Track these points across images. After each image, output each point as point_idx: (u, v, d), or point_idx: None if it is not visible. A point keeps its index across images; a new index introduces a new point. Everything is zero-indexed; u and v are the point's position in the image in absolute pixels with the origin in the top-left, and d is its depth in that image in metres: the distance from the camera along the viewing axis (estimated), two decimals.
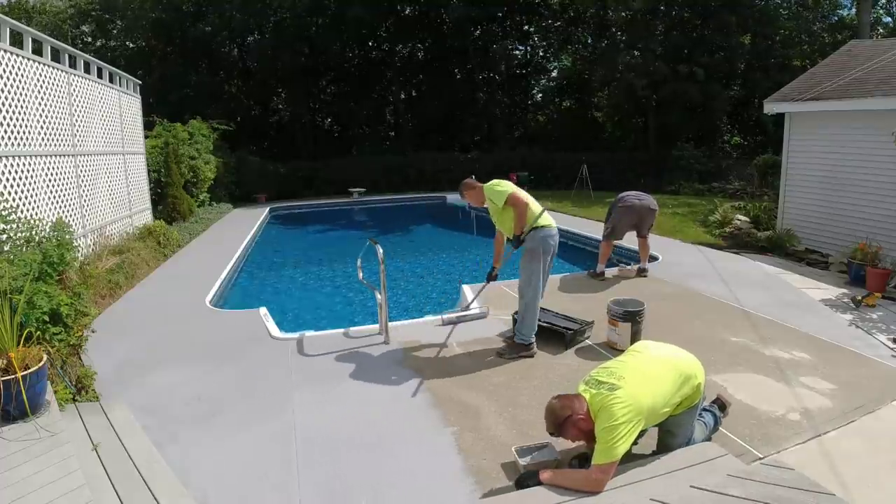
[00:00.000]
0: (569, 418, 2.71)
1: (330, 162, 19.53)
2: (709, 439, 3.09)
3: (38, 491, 2.46)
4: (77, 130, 7.51)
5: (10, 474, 2.59)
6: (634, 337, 4.42)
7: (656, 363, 2.88)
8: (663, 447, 2.95)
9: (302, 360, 4.48)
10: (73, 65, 7.68)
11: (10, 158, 5.66)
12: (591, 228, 10.40)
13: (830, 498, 2.25)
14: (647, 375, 2.79)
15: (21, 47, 6.19)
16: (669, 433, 2.94)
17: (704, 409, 3.18)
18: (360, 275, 5.43)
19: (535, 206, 4.46)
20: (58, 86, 7.00)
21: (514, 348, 4.45)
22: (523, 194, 4.47)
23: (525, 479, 2.74)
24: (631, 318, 4.44)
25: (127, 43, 21.68)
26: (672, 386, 2.79)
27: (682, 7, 18.64)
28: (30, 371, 3.12)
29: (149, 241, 8.67)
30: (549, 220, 4.49)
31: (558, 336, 4.63)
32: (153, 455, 3.12)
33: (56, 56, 7.14)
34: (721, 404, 3.36)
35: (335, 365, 4.36)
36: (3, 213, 4.79)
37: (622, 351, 4.37)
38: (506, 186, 4.50)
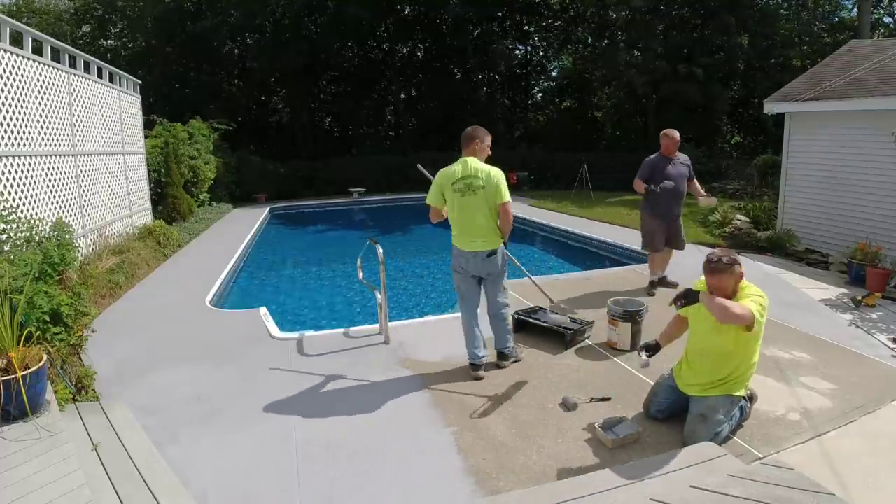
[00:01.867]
0: (737, 265, 3.03)
1: (330, 162, 19.50)
2: (733, 432, 3.19)
3: (38, 491, 2.46)
4: (77, 130, 7.51)
5: (10, 474, 2.59)
6: (634, 337, 4.43)
7: None
8: (691, 433, 3.04)
9: (302, 360, 4.48)
10: (73, 65, 7.68)
11: (10, 158, 5.66)
12: (592, 228, 10.41)
13: (830, 498, 2.25)
14: None
15: (21, 47, 6.19)
16: (702, 417, 3.04)
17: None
18: (360, 275, 5.43)
19: (454, 224, 4.06)
20: (58, 86, 7.00)
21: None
22: (439, 204, 4.11)
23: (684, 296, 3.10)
24: (631, 318, 4.44)
25: (127, 43, 21.66)
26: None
27: (682, 7, 18.64)
28: (30, 371, 3.12)
29: (149, 241, 8.67)
30: (459, 240, 4.04)
31: (558, 336, 4.63)
32: (153, 455, 3.12)
33: (56, 56, 7.13)
34: (750, 395, 3.38)
35: (335, 365, 4.35)
36: (3, 213, 4.79)
37: (622, 351, 4.40)
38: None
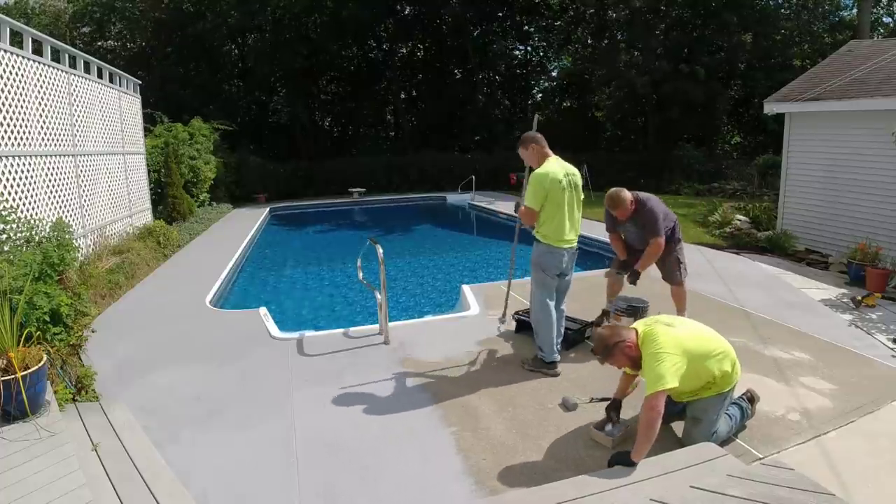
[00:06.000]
0: (617, 344, 2.93)
1: (330, 162, 19.52)
2: (736, 434, 3.18)
3: (38, 491, 2.46)
4: (77, 130, 7.51)
5: (10, 474, 2.59)
6: None
7: (702, 326, 3.18)
8: (687, 435, 3.06)
9: (302, 360, 4.48)
10: (73, 65, 7.68)
11: (10, 158, 5.66)
12: (592, 228, 10.39)
13: (830, 498, 2.25)
14: (693, 328, 3.12)
15: (21, 47, 6.19)
16: (694, 420, 3.04)
17: (733, 402, 3.22)
18: (360, 275, 5.43)
19: (558, 222, 4.09)
20: (58, 86, 7.00)
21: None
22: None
23: (615, 461, 2.77)
24: (634, 312, 4.46)
25: (126, 44, 21.67)
26: (715, 341, 3.04)
27: (683, 7, 18.64)
28: (30, 371, 3.12)
29: (149, 241, 8.67)
30: (561, 238, 4.10)
31: None
32: (153, 455, 3.12)
33: (56, 56, 7.13)
34: (750, 397, 3.37)
35: (335, 365, 4.35)
36: (3, 213, 4.79)
37: None
38: None
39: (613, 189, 4.48)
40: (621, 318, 4.49)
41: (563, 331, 4.31)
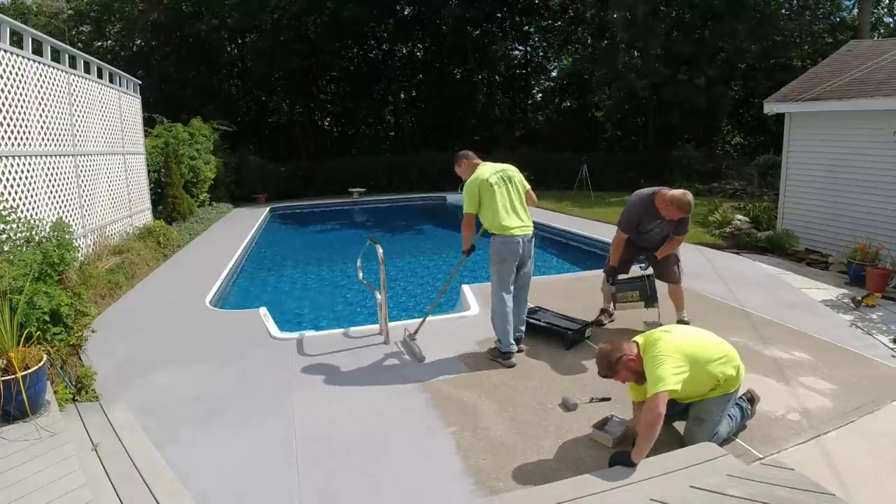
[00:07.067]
0: (620, 359, 2.95)
1: (330, 162, 19.52)
2: (736, 434, 3.18)
3: (39, 491, 2.46)
4: (77, 130, 7.51)
5: (10, 474, 2.59)
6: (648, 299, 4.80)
7: (703, 332, 3.22)
8: (689, 435, 3.06)
9: (302, 360, 4.48)
10: (73, 65, 7.68)
11: (10, 158, 5.66)
12: (592, 228, 10.41)
13: (830, 498, 2.25)
14: (693, 333, 3.18)
15: (21, 47, 6.19)
16: (697, 420, 3.05)
17: (734, 403, 3.22)
18: (360, 275, 5.43)
19: (502, 214, 4.27)
20: (58, 86, 7.00)
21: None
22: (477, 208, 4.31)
23: (615, 461, 2.75)
24: (638, 287, 4.80)
25: (126, 43, 21.67)
26: (716, 346, 3.05)
27: (683, 8, 18.62)
28: (30, 371, 3.12)
29: (149, 241, 8.67)
30: (511, 228, 4.23)
31: (558, 336, 4.63)
32: (153, 455, 3.12)
33: (56, 56, 7.13)
34: (750, 397, 3.37)
35: (335, 365, 4.35)
36: (3, 213, 4.80)
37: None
38: None
39: (689, 194, 4.63)
40: (629, 297, 4.66)
41: (524, 319, 4.53)
